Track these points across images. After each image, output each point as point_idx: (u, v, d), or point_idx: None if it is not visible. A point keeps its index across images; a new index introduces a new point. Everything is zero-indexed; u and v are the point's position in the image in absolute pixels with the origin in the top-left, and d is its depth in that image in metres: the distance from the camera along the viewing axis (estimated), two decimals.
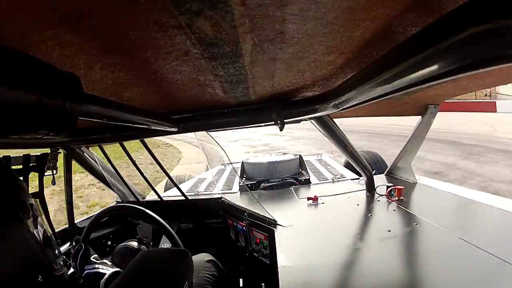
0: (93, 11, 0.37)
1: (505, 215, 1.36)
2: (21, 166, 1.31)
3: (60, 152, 1.51)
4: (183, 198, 2.12)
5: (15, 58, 0.41)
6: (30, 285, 0.74)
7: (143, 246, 1.34)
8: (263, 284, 1.67)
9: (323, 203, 1.82)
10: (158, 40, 0.49)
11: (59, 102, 0.46)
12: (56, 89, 0.46)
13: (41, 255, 0.79)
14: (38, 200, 0.89)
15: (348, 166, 3.08)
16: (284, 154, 2.99)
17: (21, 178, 1.27)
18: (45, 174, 1.42)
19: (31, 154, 1.36)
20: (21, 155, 1.33)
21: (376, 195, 1.85)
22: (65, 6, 0.35)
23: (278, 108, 1.14)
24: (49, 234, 0.86)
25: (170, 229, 1.29)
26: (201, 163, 8.18)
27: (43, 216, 0.89)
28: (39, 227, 0.81)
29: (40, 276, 0.75)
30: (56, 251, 0.87)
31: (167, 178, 2.71)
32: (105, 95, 0.77)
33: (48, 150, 1.45)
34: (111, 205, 2.04)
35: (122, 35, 0.46)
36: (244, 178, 2.61)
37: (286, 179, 2.46)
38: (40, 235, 0.80)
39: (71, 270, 1.32)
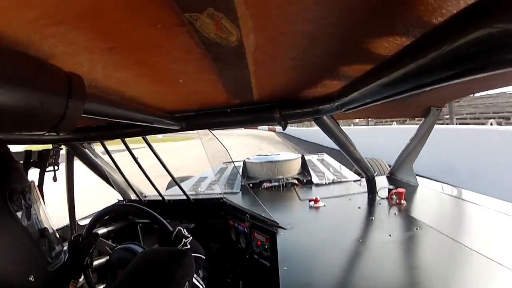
0: (96, 9, 0.37)
1: (509, 220, 1.35)
2: (22, 162, 1.31)
3: (62, 149, 1.51)
4: (184, 197, 2.12)
5: (19, 58, 0.41)
6: (20, 287, 0.67)
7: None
8: (263, 287, 1.66)
9: (324, 205, 1.82)
10: (161, 39, 0.49)
11: (62, 101, 0.46)
12: (59, 88, 0.46)
13: (34, 251, 0.72)
14: (34, 183, 0.80)
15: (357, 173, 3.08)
16: (286, 153, 2.98)
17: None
18: (47, 170, 1.42)
19: (32, 150, 1.37)
20: (23, 151, 1.33)
21: (378, 198, 1.85)
22: (67, 4, 0.35)
23: (281, 108, 1.14)
24: (45, 223, 0.79)
25: (172, 229, 1.29)
26: None
27: (41, 201, 0.82)
28: (33, 217, 0.74)
29: (32, 276, 0.68)
30: (54, 241, 0.82)
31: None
32: (108, 93, 0.77)
33: (50, 146, 1.45)
34: (113, 203, 2.05)
35: (125, 34, 0.46)
36: (246, 178, 2.61)
37: (288, 179, 2.46)
38: (34, 227, 0.74)
39: None
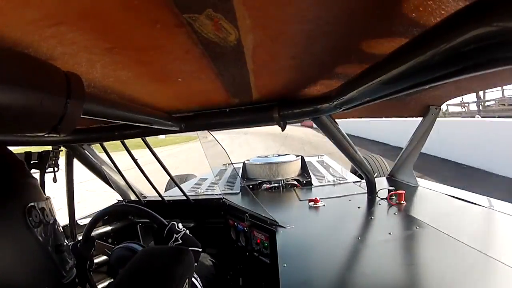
0: (95, 9, 0.38)
1: (508, 219, 1.36)
2: None
3: (61, 150, 1.51)
4: (184, 198, 2.13)
5: (17, 59, 0.41)
6: None
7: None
8: (263, 283, 1.67)
9: (324, 205, 1.82)
10: (160, 39, 0.49)
11: (62, 100, 0.46)
12: (57, 87, 0.46)
13: (50, 266, 0.75)
14: (50, 200, 0.83)
15: (354, 172, 3.09)
16: (286, 155, 2.98)
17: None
18: (47, 171, 1.42)
19: (32, 151, 1.37)
20: (23, 152, 1.33)
21: (377, 198, 1.85)
22: (67, 4, 0.35)
23: (280, 107, 1.14)
24: (61, 239, 0.82)
25: (166, 223, 1.29)
26: None
27: (56, 217, 0.84)
28: (49, 233, 0.76)
29: None
30: (67, 256, 0.84)
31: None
32: (107, 93, 0.78)
33: (49, 148, 1.45)
34: (113, 203, 2.05)
35: (124, 34, 0.46)
36: (245, 179, 2.61)
37: (288, 180, 2.46)
38: (50, 243, 0.76)
39: None
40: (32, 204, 0.72)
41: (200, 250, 1.17)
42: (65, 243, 0.85)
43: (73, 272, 0.85)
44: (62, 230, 0.86)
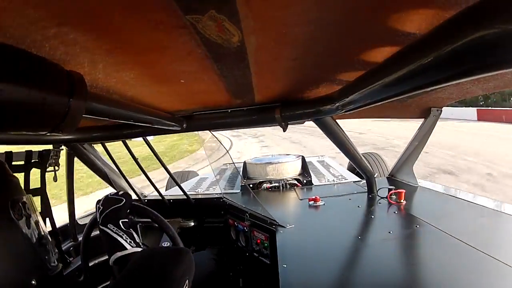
0: (97, 10, 0.37)
1: (507, 219, 1.35)
2: (23, 162, 1.31)
3: (62, 149, 1.51)
4: (184, 197, 2.13)
5: (20, 57, 0.41)
6: None
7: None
8: (263, 284, 1.67)
9: (324, 204, 1.82)
10: (163, 40, 0.49)
11: (64, 101, 0.46)
12: (60, 85, 0.46)
13: (35, 257, 0.77)
14: (31, 196, 0.88)
15: (351, 169, 3.09)
16: (286, 155, 2.98)
17: (22, 173, 1.28)
18: (47, 170, 1.42)
19: (33, 150, 1.37)
20: (23, 151, 1.33)
21: (378, 198, 1.85)
22: (70, 5, 0.35)
23: (281, 108, 1.14)
24: (43, 233, 0.84)
25: (171, 228, 1.29)
26: None
27: (37, 213, 0.87)
28: (32, 226, 0.79)
29: (34, 280, 0.73)
30: (51, 250, 0.86)
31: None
32: (109, 93, 0.77)
33: (50, 147, 1.45)
34: None
35: (127, 35, 0.46)
36: (246, 178, 2.61)
37: (288, 180, 2.46)
38: (34, 235, 0.78)
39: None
40: (15, 198, 0.76)
41: (129, 198, 1.16)
42: (48, 238, 0.87)
43: (58, 266, 0.87)
44: (43, 225, 0.89)
